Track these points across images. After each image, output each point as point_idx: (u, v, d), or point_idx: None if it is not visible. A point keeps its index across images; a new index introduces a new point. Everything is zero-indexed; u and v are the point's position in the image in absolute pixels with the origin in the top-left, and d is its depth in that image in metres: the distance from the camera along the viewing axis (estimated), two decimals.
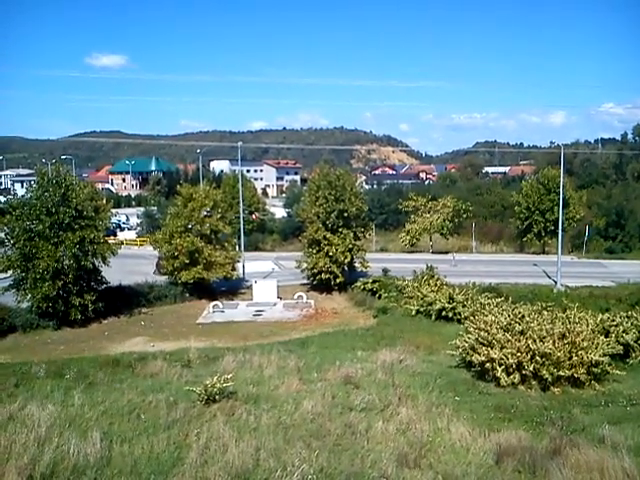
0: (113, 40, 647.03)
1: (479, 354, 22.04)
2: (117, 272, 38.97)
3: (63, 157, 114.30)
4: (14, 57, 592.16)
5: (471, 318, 25.68)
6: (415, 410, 18.00)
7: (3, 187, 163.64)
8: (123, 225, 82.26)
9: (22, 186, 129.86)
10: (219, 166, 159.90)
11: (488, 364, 21.80)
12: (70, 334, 33.44)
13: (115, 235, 64.28)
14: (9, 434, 15.68)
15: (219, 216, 42.38)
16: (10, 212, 34.83)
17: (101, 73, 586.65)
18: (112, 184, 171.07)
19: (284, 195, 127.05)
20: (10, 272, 34.75)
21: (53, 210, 33.84)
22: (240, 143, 61.40)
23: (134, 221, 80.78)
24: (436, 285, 36.16)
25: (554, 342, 21.65)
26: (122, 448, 14.96)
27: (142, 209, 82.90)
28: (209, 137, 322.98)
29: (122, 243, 52.86)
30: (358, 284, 40.76)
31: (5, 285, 35.03)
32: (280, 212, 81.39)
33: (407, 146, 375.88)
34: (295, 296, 40.31)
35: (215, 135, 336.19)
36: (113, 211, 48.08)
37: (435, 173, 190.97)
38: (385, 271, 42.95)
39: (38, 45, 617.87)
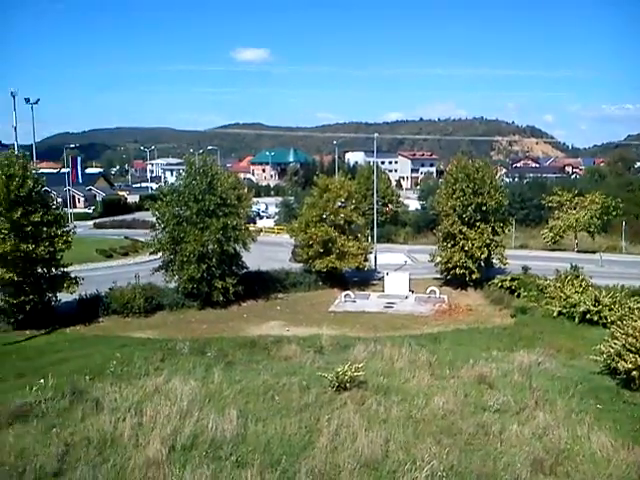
0: (256, 34, 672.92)
1: (625, 361, 20.49)
2: (256, 258, 40.58)
3: (209, 148, 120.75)
4: (166, 55, 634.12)
5: (618, 323, 23.84)
6: (553, 415, 17.11)
7: (154, 175, 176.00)
8: (262, 214, 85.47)
9: (172, 174, 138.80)
10: (354, 157, 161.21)
11: (635, 372, 20.22)
12: (212, 314, 35.32)
13: (255, 223, 66.86)
14: (154, 405, 16.85)
15: (353, 207, 42.72)
16: (161, 198, 37.44)
17: (245, 67, 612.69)
18: (253, 174, 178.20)
19: (419, 187, 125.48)
20: (160, 254, 37.43)
21: (200, 197, 35.88)
22: (376, 134, 61.36)
23: (272, 210, 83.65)
24: (581, 286, 33.94)
25: None
26: (256, 427, 15.56)
27: (280, 199, 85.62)
28: (345, 129, 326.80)
29: (261, 231, 54.82)
30: (495, 281, 39.30)
31: (155, 266, 37.76)
32: (414, 204, 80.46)
33: (552, 138, 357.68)
34: (427, 290, 39.72)
35: (351, 127, 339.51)
36: (253, 200, 49.99)
37: (582, 167, 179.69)
38: (525, 269, 41.03)
39: (187, 42, 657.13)
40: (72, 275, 33.92)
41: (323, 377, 18.95)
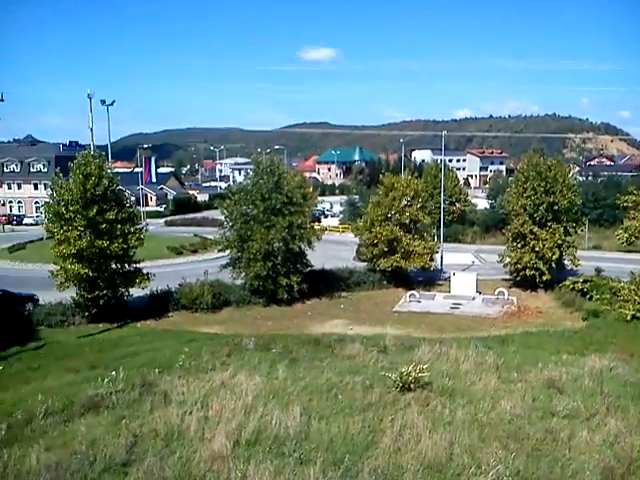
0: (323, 34, 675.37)
1: None
2: (320, 256, 40.74)
3: (276, 147, 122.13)
4: (236, 55, 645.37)
5: None
6: (625, 422, 16.33)
7: (223, 174, 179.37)
8: (327, 212, 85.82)
9: (240, 173, 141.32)
10: (421, 155, 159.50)
11: None
12: (277, 312, 35.73)
13: (319, 221, 67.16)
14: (220, 399, 17.09)
15: (419, 206, 42.26)
16: (230, 197, 38.20)
17: (312, 66, 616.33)
18: (318, 173, 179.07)
19: (487, 186, 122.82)
20: (228, 252, 38.17)
21: (267, 196, 36.37)
22: (444, 132, 60.55)
23: (337, 209, 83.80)
24: None
25: None
26: (320, 425, 15.55)
27: (345, 197, 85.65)
28: (412, 127, 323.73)
29: (325, 229, 55.08)
30: (567, 283, 38.03)
31: (223, 263, 38.52)
32: (482, 203, 78.84)
33: (628, 135, 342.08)
34: (496, 291, 38.84)
35: (418, 124, 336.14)
36: (318, 199, 50.22)
37: None
38: (598, 271, 39.51)
39: (255, 43, 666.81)
40: (144, 271, 35.08)
41: (387, 377, 18.78)
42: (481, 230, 65.55)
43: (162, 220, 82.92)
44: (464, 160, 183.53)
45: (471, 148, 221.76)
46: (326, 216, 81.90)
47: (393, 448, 14.29)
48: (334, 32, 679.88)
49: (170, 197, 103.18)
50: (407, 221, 41.25)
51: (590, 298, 35.40)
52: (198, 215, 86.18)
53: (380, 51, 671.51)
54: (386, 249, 40.12)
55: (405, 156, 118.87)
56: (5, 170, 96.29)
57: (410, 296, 38.32)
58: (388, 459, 13.74)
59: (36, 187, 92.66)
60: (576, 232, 41.98)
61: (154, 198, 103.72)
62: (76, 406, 17.01)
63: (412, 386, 18.32)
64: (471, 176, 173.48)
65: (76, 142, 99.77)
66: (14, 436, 15.09)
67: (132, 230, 34.11)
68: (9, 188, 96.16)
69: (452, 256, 49.80)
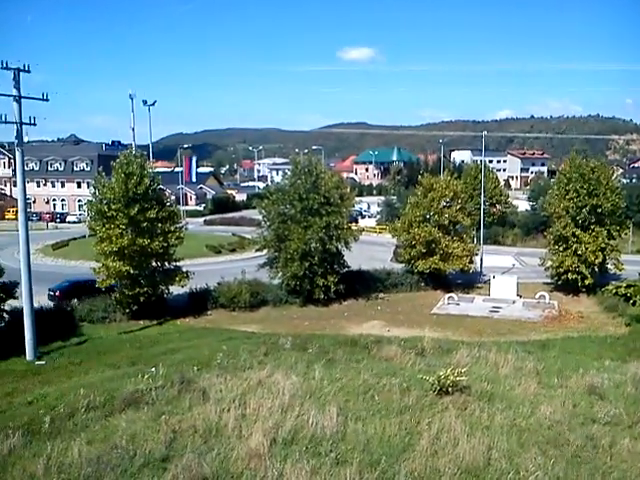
0: (363, 33, 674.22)
1: None
2: (357, 257, 40.71)
3: (314, 147, 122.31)
4: (275, 56, 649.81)
5: None
6: None
7: (261, 174, 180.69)
8: (364, 213, 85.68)
9: (277, 174, 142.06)
10: (460, 156, 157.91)
11: None
12: (313, 312, 35.81)
13: (356, 222, 67.14)
14: (257, 398, 17.22)
15: (458, 207, 41.85)
16: (267, 197, 38.47)
17: (351, 66, 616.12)
18: (356, 173, 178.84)
19: (528, 187, 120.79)
20: (265, 251, 38.42)
21: (304, 196, 36.49)
22: (484, 132, 59.91)
23: (374, 209, 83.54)
24: None
25: None
26: (356, 425, 15.53)
27: (382, 198, 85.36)
28: (451, 127, 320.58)
29: (363, 230, 54.96)
30: (610, 287, 37.15)
31: (260, 263, 38.79)
32: (523, 205, 77.67)
33: None
34: (536, 295, 38.20)
35: (457, 125, 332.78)
36: (356, 199, 50.18)
37: None
38: None
39: (295, 44, 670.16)
40: (183, 269, 35.54)
41: (424, 380, 18.64)
42: (522, 232, 64.60)
43: (201, 219, 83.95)
44: (504, 161, 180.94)
45: (512, 149, 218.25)
46: (363, 217, 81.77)
47: (430, 451, 14.19)
48: (375, 31, 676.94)
49: (209, 196, 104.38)
50: (446, 222, 40.87)
51: (634, 303, 34.51)
52: (236, 214, 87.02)
53: (420, 51, 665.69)
54: (424, 250, 39.82)
55: (444, 156, 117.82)
56: (49, 169, 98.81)
57: (449, 298, 37.97)
58: (425, 462, 13.64)
59: (79, 186, 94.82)
60: (620, 235, 41.05)
61: (194, 197, 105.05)
62: (117, 401, 17.33)
63: (450, 389, 18.15)
64: (512, 177, 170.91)
65: (118, 142, 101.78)
66: (57, 429, 15.47)
67: (172, 229, 34.61)
68: (53, 186, 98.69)
69: (492, 259, 49.20)
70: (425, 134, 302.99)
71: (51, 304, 32.87)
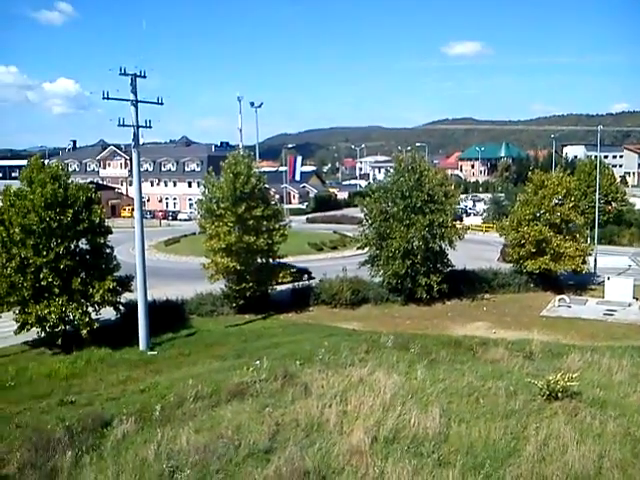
0: (469, 27, 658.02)
1: None
2: (462, 256, 39.79)
3: (417, 144, 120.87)
4: (376, 53, 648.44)
5: None
6: None
7: (363, 172, 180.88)
8: (469, 210, 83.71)
9: (379, 171, 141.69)
10: (573, 151, 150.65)
11: None
12: (415, 311, 35.39)
13: (461, 220, 65.59)
14: (359, 395, 17.25)
15: (571, 205, 39.90)
16: (370, 195, 38.42)
17: (456, 61, 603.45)
18: (461, 170, 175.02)
19: None
20: (367, 249, 38.42)
21: (407, 194, 36.13)
22: (600, 126, 56.78)
23: (480, 207, 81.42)
24: None
25: None
26: (459, 428, 15.20)
27: (489, 195, 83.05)
28: (563, 121, 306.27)
29: (468, 228, 53.67)
30: None
31: (361, 260, 38.84)
32: None
33: None
34: None
35: (570, 119, 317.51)
36: (461, 197, 49.14)
37: None
38: None
39: (400, 41, 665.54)
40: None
41: (532, 384, 17.95)
42: (639, 232, 60.77)
43: (304, 217, 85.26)
44: (621, 157, 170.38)
45: (628, 144, 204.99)
46: (469, 215, 79.90)
47: (537, 457, 13.68)
48: (481, 24, 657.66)
49: (311, 195, 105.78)
50: (557, 221, 39.11)
51: None
52: (338, 213, 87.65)
53: (529, 42, 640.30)
54: (534, 250, 38.31)
55: (556, 152, 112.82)
56: (162, 169, 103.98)
57: (559, 300, 36.33)
58: (531, 468, 13.17)
59: (190, 185, 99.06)
60: None
61: (296, 196, 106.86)
62: (223, 392, 17.95)
63: (559, 395, 17.38)
64: (628, 174, 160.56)
65: (227, 142, 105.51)
66: (167, 417, 16.25)
67: (276, 226, 35.40)
68: (166, 186, 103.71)
69: (606, 259, 46.60)
70: (535, 129, 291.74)
71: (164, 297, 34.44)
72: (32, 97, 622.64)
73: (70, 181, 29.18)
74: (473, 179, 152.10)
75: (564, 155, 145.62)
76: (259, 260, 35.41)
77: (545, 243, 38.12)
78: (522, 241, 38.78)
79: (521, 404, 16.91)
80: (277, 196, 69.48)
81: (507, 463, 13.44)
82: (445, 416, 15.76)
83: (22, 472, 13.19)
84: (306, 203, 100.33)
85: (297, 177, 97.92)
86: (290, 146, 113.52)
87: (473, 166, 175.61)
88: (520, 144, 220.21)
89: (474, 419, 15.84)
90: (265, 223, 34.67)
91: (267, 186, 38.55)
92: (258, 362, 20.92)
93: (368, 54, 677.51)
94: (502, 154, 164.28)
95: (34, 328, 27.81)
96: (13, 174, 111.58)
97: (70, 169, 43.94)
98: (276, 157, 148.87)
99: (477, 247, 52.57)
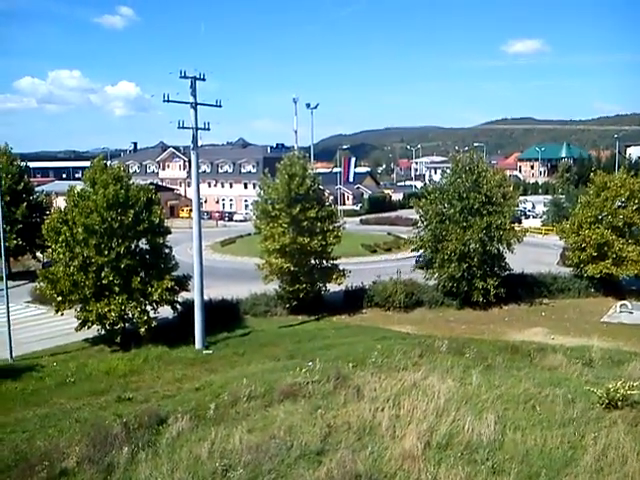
0: (529, 25, 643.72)
1: None
2: (520, 260, 38.92)
3: (475, 145, 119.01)
4: (436, 52, 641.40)
5: None
6: None
7: (418, 173, 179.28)
8: (528, 213, 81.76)
9: (435, 172, 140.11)
10: (637, 152, 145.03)
11: None
12: (471, 315, 34.83)
13: (520, 222, 64.11)
14: (412, 400, 17.06)
15: (635, 207, 38.47)
16: (425, 196, 37.99)
17: (515, 60, 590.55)
18: (520, 171, 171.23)
19: None
20: (422, 251, 38.04)
21: (464, 195, 35.60)
22: None
23: (540, 209, 79.41)
24: None
25: None
26: (515, 435, 14.88)
27: (549, 197, 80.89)
28: (627, 120, 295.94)
29: (527, 231, 52.43)
30: None
31: (413, 263, 38.49)
32: None
33: None
34: None
35: (634, 118, 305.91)
36: (520, 198, 48.08)
37: None
38: None
39: (457, 39, 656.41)
40: (340, 267, 36.28)
41: (591, 392, 17.40)
42: None
43: (357, 218, 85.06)
44: None
45: None
46: (527, 217, 78.05)
47: (595, 467, 13.27)
48: (540, 22, 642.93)
49: (365, 196, 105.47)
50: (620, 224, 37.82)
51: None
52: (392, 214, 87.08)
53: (589, 40, 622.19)
54: (595, 254, 37.12)
55: (619, 152, 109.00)
56: (219, 171, 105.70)
57: (621, 306, 35.08)
58: (589, 479, 12.77)
59: (245, 186, 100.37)
60: None
61: (350, 197, 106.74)
62: (276, 392, 18.08)
63: (619, 404, 16.80)
64: None
65: (282, 144, 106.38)
66: (221, 416, 16.48)
67: (330, 228, 35.48)
68: (222, 187, 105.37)
69: None
70: (597, 129, 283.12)
71: (219, 297, 34.96)
72: (95, 100, 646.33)
73: (131, 182, 30.06)
74: (532, 180, 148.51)
75: (627, 156, 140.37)
76: (313, 261, 35.56)
77: (607, 247, 36.90)
78: (583, 244, 37.65)
79: (579, 412, 16.41)
80: (331, 197, 69.59)
81: (564, 473, 13.08)
82: (500, 423, 15.44)
83: (80, 466, 13.57)
84: (360, 204, 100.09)
85: (351, 178, 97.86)
86: (345, 147, 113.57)
87: (533, 167, 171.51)
88: (581, 144, 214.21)
89: (530, 427, 15.47)
90: (319, 224, 34.79)
91: (321, 187, 38.68)
92: (311, 363, 20.99)
93: (425, 54, 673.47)
94: (563, 154, 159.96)
95: (94, 326, 28.76)
96: (77, 175, 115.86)
97: (131, 170, 45.25)
98: (331, 158, 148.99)
99: (536, 250, 51.32)
